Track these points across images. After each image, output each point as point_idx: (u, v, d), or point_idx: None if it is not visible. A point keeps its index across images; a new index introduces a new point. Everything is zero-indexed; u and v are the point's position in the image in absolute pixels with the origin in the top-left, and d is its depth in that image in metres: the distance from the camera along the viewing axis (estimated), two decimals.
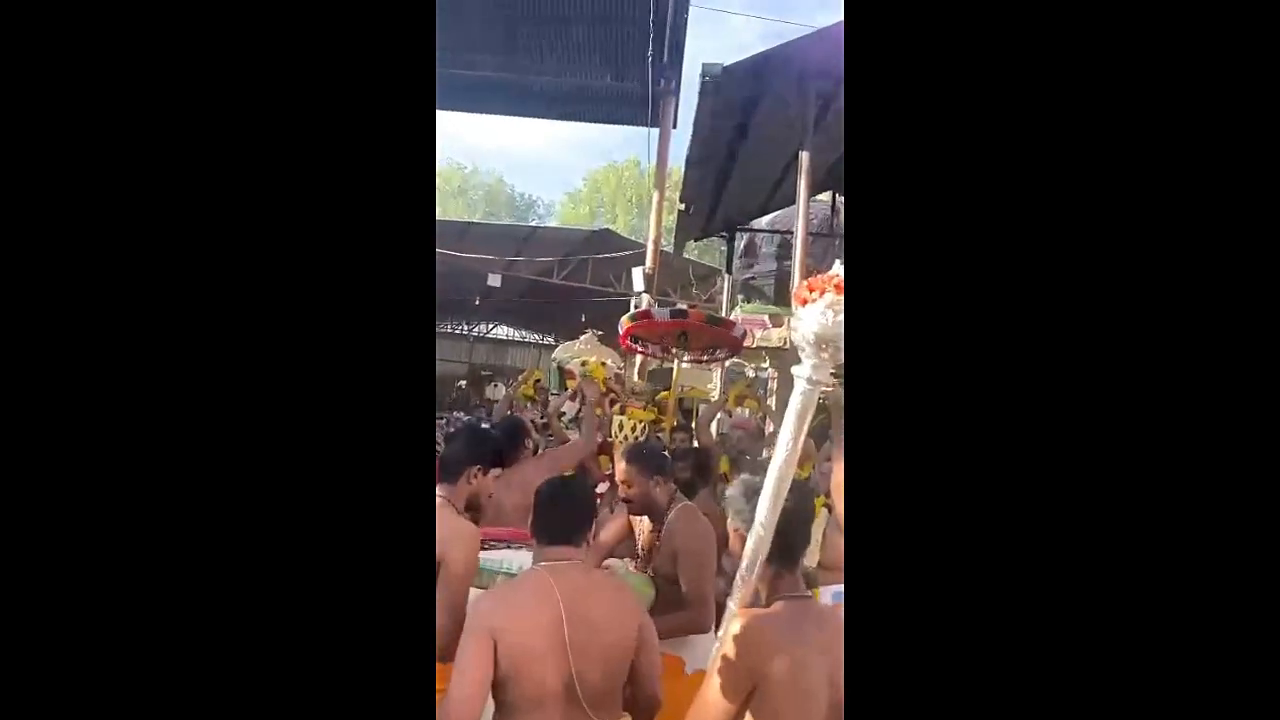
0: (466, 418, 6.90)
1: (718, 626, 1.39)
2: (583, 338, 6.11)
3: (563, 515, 1.29)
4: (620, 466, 1.87)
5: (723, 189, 6.39)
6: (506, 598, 1.23)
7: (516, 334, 17.05)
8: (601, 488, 2.62)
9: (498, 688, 1.13)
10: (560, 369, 4.25)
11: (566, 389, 3.89)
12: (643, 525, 1.93)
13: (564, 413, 3.59)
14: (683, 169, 5.83)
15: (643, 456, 1.86)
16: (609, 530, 2.01)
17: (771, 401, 5.49)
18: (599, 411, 3.54)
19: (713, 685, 1.01)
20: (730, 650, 1.01)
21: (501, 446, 1.81)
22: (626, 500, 1.84)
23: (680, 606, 1.73)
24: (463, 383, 15.24)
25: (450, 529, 1.43)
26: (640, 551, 1.93)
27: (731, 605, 1.13)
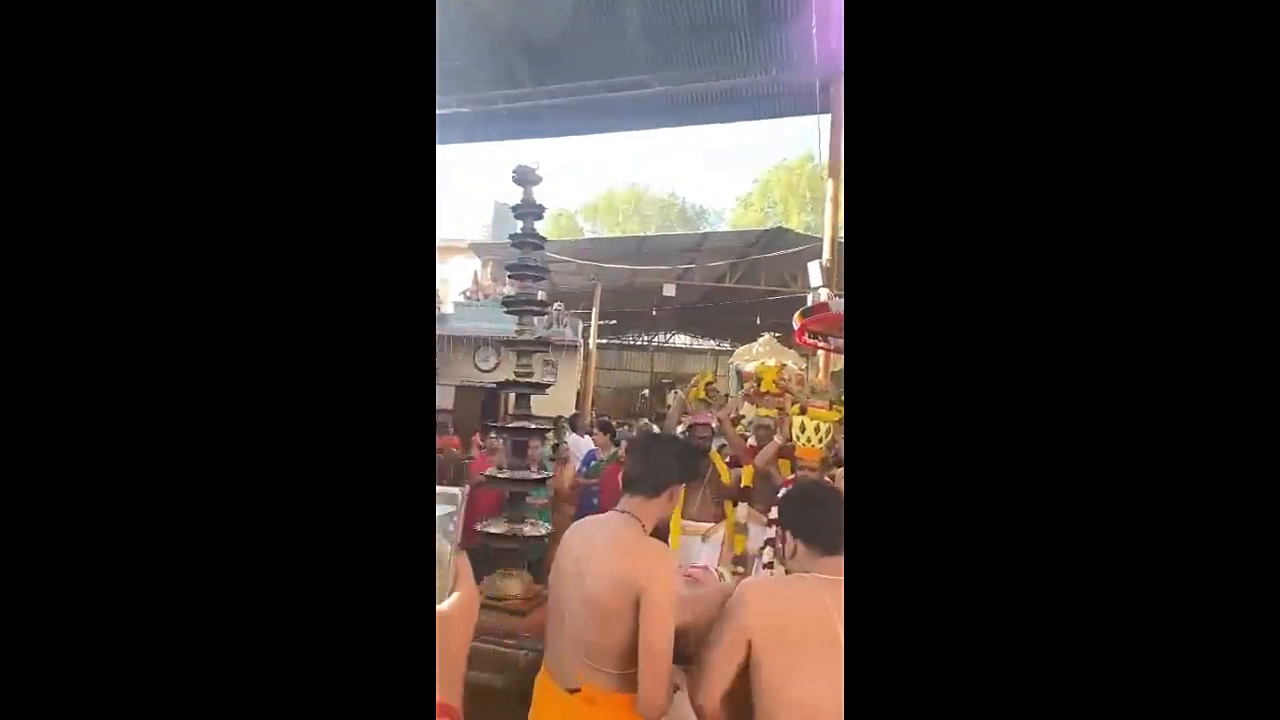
0: (648, 425, 7.08)
1: None
2: (760, 340, 5.94)
3: (829, 518, 1.19)
4: None
5: None
6: (775, 605, 1.13)
7: (694, 341, 17.32)
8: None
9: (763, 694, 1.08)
10: (739, 373, 4.18)
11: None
12: None
13: (742, 415, 3.50)
14: None
15: None
16: None
17: None
18: (768, 413, 3.39)
19: None
20: None
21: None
22: None
23: None
24: (646, 391, 15.92)
25: (651, 553, 1.23)
26: None
27: None
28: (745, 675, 1.10)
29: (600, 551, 1.24)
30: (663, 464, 1.34)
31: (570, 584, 1.27)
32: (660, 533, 1.47)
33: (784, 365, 3.60)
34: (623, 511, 1.31)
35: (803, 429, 2.73)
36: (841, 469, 2.75)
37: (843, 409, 3.05)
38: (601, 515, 1.37)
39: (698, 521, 3.05)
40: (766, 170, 24.63)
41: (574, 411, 7.75)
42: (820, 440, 2.70)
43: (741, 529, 3.02)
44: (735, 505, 3.08)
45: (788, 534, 1.19)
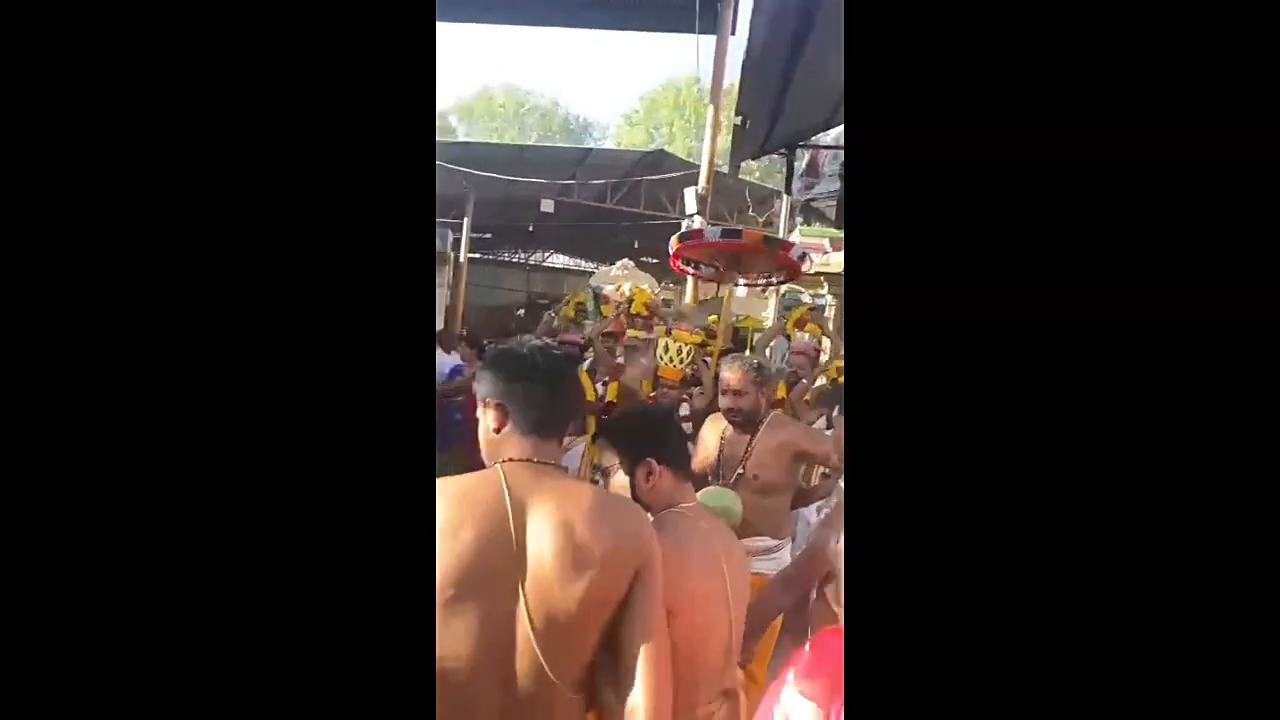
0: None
1: None
2: (619, 264, 6.00)
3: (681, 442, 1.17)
4: (730, 375, 1.87)
5: (783, 100, 5.92)
6: (682, 561, 0.98)
7: (572, 262, 17.06)
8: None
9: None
10: (597, 295, 4.22)
11: (604, 315, 3.88)
12: (715, 439, 1.94)
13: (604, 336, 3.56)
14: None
15: (752, 363, 1.88)
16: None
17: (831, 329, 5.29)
18: (636, 334, 3.51)
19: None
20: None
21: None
22: (732, 409, 1.85)
23: (769, 518, 1.78)
24: (521, 311, 15.57)
25: (641, 517, 0.94)
26: (712, 468, 1.94)
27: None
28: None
29: (575, 523, 0.84)
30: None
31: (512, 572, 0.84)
32: None
33: (641, 289, 3.70)
34: (544, 463, 0.91)
35: (665, 349, 2.86)
36: (698, 388, 2.93)
37: (703, 334, 3.21)
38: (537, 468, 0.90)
39: None
40: (653, 89, 24.02)
41: (439, 327, 7.44)
42: (681, 361, 2.85)
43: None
44: (597, 419, 3.20)
45: (652, 462, 1.11)
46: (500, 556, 0.83)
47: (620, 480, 1.14)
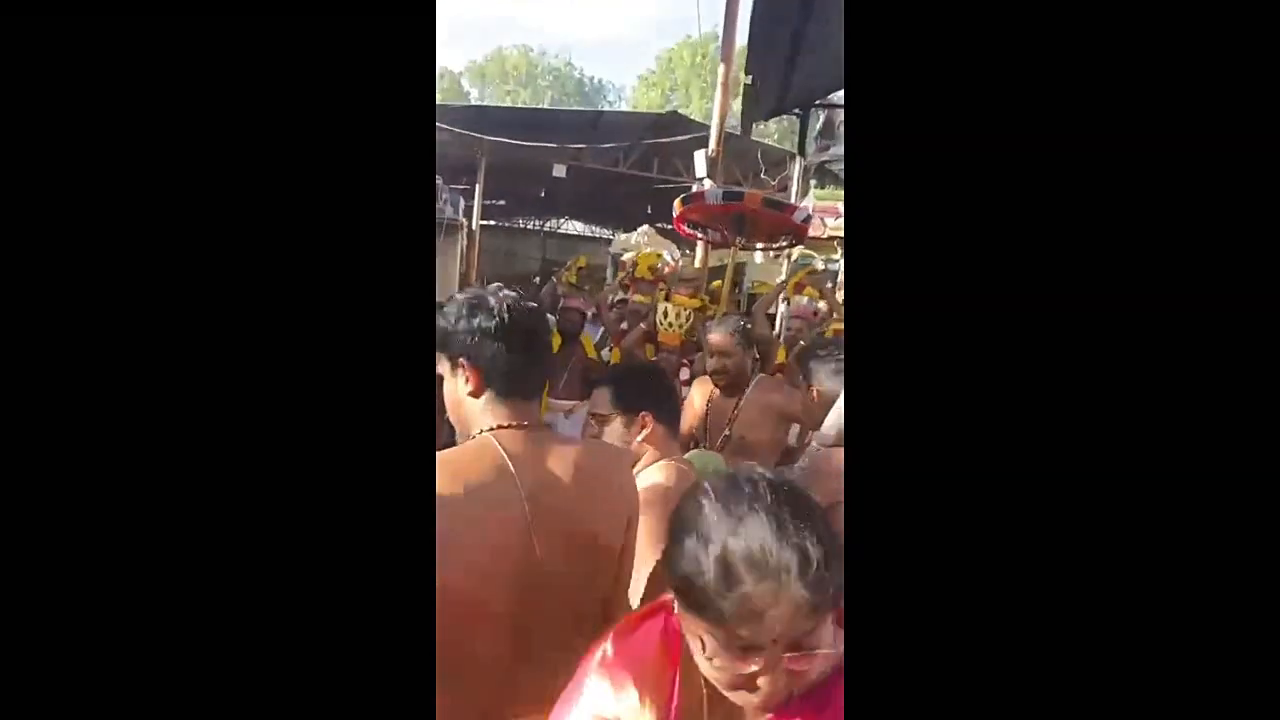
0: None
1: None
2: (639, 230, 5.95)
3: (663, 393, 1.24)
4: (715, 337, 1.90)
5: (796, 58, 5.72)
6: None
7: (587, 229, 16.93)
8: None
9: None
10: (616, 262, 4.24)
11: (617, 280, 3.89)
12: (702, 401, 1.97)
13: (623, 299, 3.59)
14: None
15: (738, 326, 1.90)
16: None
17: (840, 295, 5.22)
18: (641, 299, 3.52)
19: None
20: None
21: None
22: (717, 372, 1.89)
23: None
24: (536, 279, 15.55)
25: (628, 470, 0.98)
26: (698, 431, 1.98)
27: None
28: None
29: (580, 484, 0.85)
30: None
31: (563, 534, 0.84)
32: None
33: (659, 254, 3.70)
34: (531, 426, 0.89)
35: (665, 315, 2.86)
36: (700, 353, 2.95)
37: (704, 299, 3.22)
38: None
39: (563, 400, 3.21)
40: (670, 48, 23.35)
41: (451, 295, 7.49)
42: (680, 326, 2.86)
43: None
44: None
45: (647, 416, 1.18)
46: (514, 531, 0.79)
47: (615, 429, 1.18)
